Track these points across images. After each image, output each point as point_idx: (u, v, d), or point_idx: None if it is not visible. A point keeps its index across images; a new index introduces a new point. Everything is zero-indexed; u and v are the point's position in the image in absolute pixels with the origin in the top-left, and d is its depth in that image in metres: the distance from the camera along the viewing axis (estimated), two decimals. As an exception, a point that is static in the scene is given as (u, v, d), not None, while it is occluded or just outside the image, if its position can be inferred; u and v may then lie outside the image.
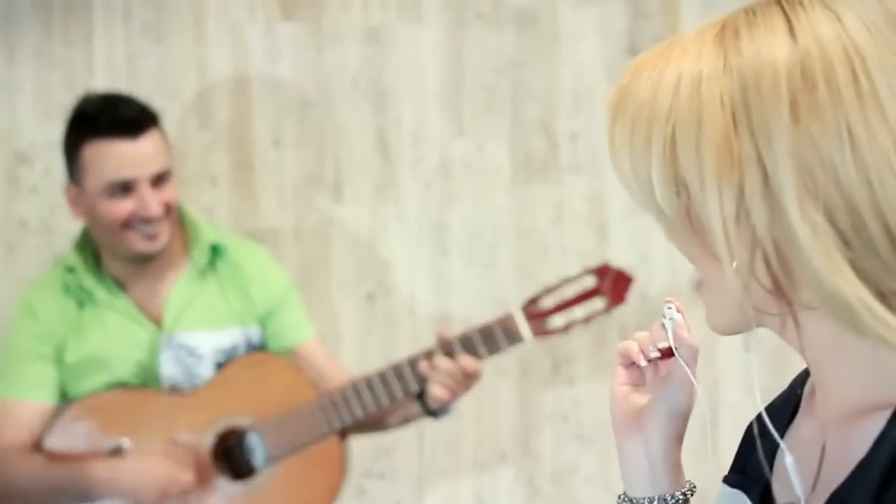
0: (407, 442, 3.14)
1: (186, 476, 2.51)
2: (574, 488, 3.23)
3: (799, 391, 1.17)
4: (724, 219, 1.00)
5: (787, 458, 1.07)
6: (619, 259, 2.94)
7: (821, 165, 0.97)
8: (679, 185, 1.03)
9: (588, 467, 3.23)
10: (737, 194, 0.99)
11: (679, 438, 1.19)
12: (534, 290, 2.67)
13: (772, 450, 1.13)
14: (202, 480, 2.54)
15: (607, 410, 1.22)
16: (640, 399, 1.20)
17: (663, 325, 1.16)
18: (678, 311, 1.16)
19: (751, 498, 1.15)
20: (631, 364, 1.20)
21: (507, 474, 3.21)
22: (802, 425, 1.14)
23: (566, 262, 3.16)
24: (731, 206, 1.00)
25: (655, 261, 3.21)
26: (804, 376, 1.18)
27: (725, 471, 1.23)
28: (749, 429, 1.22)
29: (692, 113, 1.01)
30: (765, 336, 1.10)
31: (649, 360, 1.18)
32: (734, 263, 1.01)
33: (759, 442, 1.12)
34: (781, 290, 1.02)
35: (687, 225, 1.04)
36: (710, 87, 1.00)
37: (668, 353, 1.17)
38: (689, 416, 1.19)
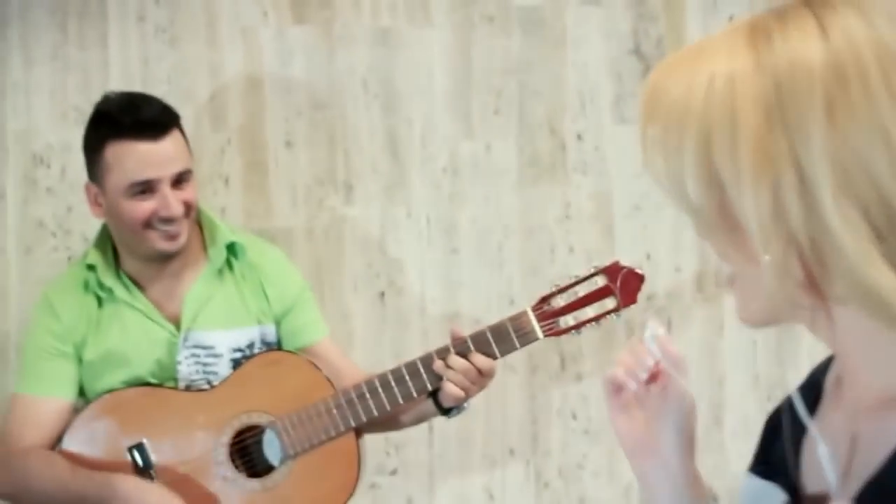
0: (418, 438, 3.15)
1: None
2: (582, 483, 3.25)
3: (820, 380, 1.19)
4: (760, 216, 1.01)
5: (821, 448, 1.09)
6: (626, 257, 2.95)
7: (856, 163, 0.98)
8: (713, 183, 1.03)
9: (596, 462, 3.25)
10: (772, 192, 1.00)
11: (692, 450, 1.22)
12: (541, 287, 2.66)
13: (796, 439, 1.15)
14: None
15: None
16: (640, 416, 1.23)
17: (643, 341, 1.20)
18: (660, 327, 1.19)
19: (782, 487, 1.16)
20: (619, 389, 1.24)
21: (516, 469, 3.22)
22: (830, 416, 1.15)
23: (573, 261, 3.18)
24: (767, 204, 1.00)
25: (661, 259, 3.23)
26: (824, 366, 1.19)
27: (731, 465, 1.25)
28: (771, 419, 1.24)
29: (726, 112, 1.01)
30: (768, 330, 1.13)
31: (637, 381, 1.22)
32: (769, 258, 1.01)
33: (787, 433, 1.15)
34: (815, 283, 1.03)
35: (720, 221, 1.05)
36: (744, 87, 1.01)
37: (654, 372, 1.21)
38: (694, 425, 1.21)
